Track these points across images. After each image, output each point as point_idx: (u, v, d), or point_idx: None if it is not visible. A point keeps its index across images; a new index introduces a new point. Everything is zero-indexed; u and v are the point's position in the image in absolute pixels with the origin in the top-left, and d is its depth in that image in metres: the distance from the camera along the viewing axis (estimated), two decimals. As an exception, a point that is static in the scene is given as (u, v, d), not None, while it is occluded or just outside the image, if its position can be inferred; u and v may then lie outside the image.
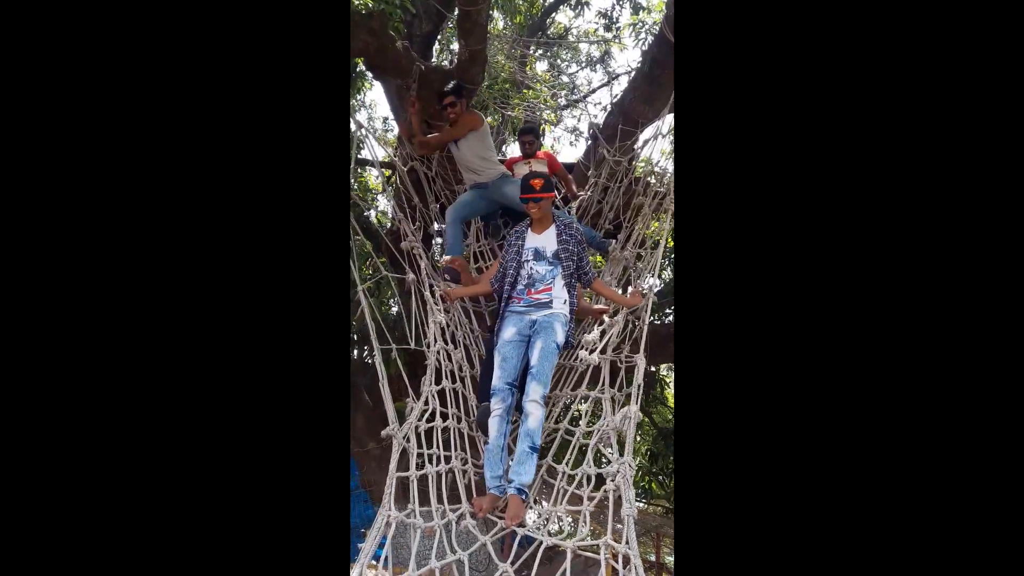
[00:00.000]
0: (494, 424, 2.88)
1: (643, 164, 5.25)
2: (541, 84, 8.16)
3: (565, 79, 9.63)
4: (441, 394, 3.04)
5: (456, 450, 2.95)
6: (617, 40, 9.10)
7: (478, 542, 2.55)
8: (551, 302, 3.05)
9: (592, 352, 3.24)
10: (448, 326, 3.47)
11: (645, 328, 3.12)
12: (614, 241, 4.66)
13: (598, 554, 2.16)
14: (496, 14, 8.40)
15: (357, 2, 4.01)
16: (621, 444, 2.61)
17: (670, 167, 4.66)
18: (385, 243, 4.09)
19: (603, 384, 3.24)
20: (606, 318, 3.75)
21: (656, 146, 4.86)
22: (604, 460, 2.68)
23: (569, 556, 2.24)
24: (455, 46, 7.16)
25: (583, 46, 9.84)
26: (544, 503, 3.02)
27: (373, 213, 5.82)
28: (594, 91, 9.94)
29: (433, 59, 6.46)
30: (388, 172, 5.67)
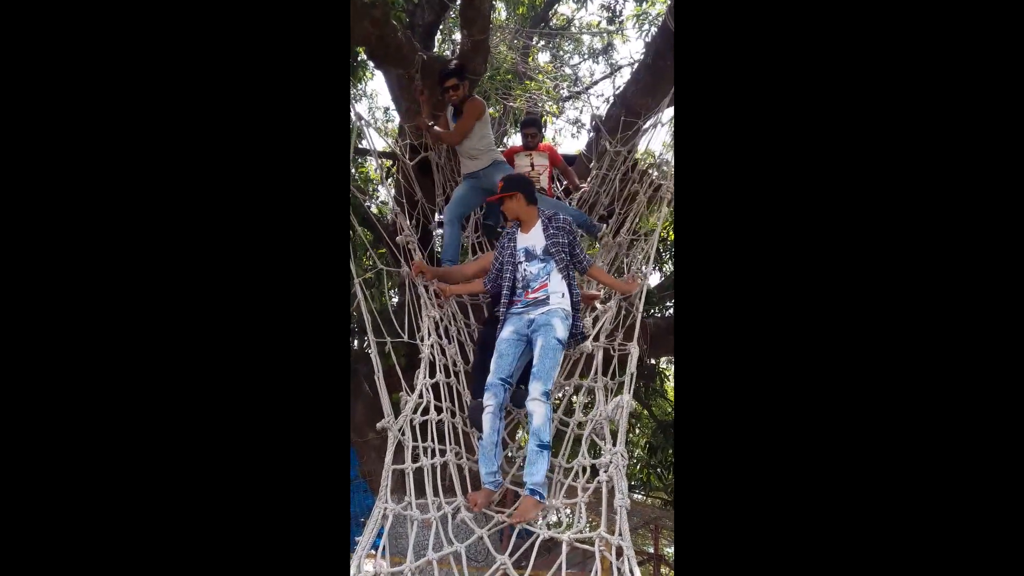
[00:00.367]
0: (487, 420, 2.86)
1: (644, 156, 5.23)
2: (543, 75, 8.12)
3: (567, 71, 9.57)
4: (435, 388, 3.04)
5: (450, 444, 2.96)
6: (620, 32, 9.04)
7: (475, 534, 2.56)
8: (548, 298, 3.01)
9: (585, 339, 3.23)
10: (441, 320, 3.47)
11: (639, 316, 3.12)
12: (605, 226, 4.63)
13: (593, 547, 2.16)
14: (499, 4, 8.35)
15: (358, -9, 3.98)
16: (614, 434, 2.60)
17: (670, 158, 4.65)
18: (385, 234, 4.09)
19: (596, 372, 3.25)
20: (598, 304, 3.74)
21: (656, 136, 4.85)
22: (597, 451, 2.69)
23: (565, 549, 2.25)
24: (457, 36, 7.13)
25: (585, 37, 9.78)
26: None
27: (374, 204, 5.81)
28: (596, 83, 9.89)
29: (435, 49, 6.43)
30: (388, 163, 5.66)
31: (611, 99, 7.24)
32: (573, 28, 9.79)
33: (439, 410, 2.98)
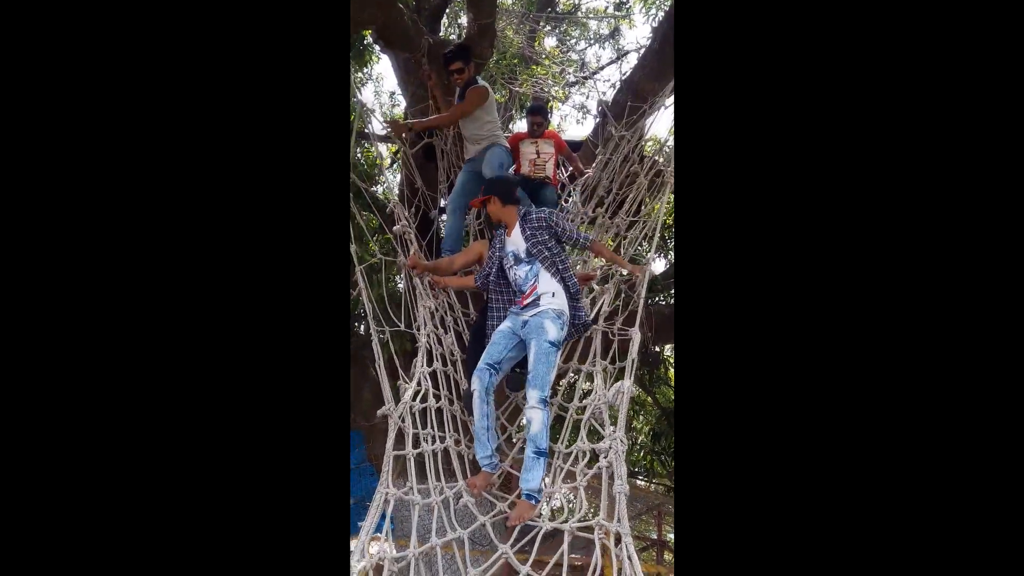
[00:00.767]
0: (475, 405, 2.90)
1: (649, 140, 5.19)
2: (550, 60, 8.05)
3: (574, 56, 9.50)
4: (433, 376, 3.07)
5: (450, 431, 3.00)
6: (627, 17, 8.96)
7: (477, 521, 2.58)
8: (538, 300, 2.99)
9: (588, 328, 3.21)
10: (437, 311, 3.50)
11: (640, 302, 3.11)
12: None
13: (592, 535, 2.17)
14: (505, -12, 8.28)
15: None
16: (614, 419, 2.60)
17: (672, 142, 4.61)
18: (384, 224, 4.10)
19: (595, 356, 3.24)
20: (595, 285, 3.73)
21: (661, 120, 4.81)
22: (597, 436, 2.69)
23: (567, 538, 2.26)
24: (464, 19, 7.07)
25: (592, 22, 9.69)
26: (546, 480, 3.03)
27: (380, 188, 5.79)
28: (603, 68, 9.81)
29: (441, 33, 6.37)
30: (394, 148, 5.64)
31: (617, 84, 7.18)
32: (580, 13, 9.70)
33: (437, 398, 3.01)
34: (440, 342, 3.36)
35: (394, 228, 3.79)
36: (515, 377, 3.28)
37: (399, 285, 4.47)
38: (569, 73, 8.47)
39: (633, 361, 2.75)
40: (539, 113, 4.87)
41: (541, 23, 8.52)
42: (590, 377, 3.24)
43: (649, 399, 8.14)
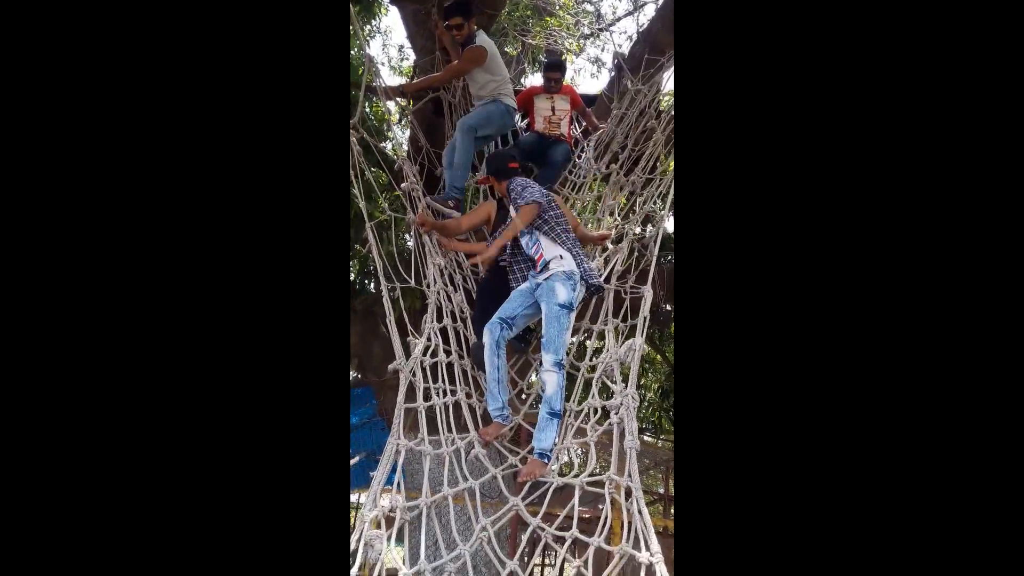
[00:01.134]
0: (486, 357, 2.97)
1: (667, 97, 5.07)
2: (564, 11, 7.84)
3: (589, 7, 9.24)
4: (443, 332, 3.11)
5: (460, 384, 3.05)
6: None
7: (489, 473, 2.62)
8: (548, 264, 3.04)
9: (601, 290, 3.20)
10: (446, 268, 3.52)
11: (653, 259, 3.11)
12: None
13: (603, 489, 2.20)
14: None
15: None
16: (625, 376, 2.62)
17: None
18: (393, 180, 4.05)
19: (607, 315, 3.26)
20: (609, 244, 3.71)
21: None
22: (608, 393, 2.71)
23: (577, 492, 2.29)
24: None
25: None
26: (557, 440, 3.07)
27: (389, 144, 5.72)
28: (619, 19, 9.55)
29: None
30: (403, 103, 5.53)
31: (634, 37, 6.99)
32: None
33: (448, 353, 3.06)
34: (450, 299, 3.38)
35: (402, 185, 3.75)
36: (514, 342, 3.33)
37: (409, 243, 4.45)
38: (584, 24, 8.24)
39: (645, 319, 2.76)
40: (557, 69, 4.75)
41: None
42: (601, 335, 3.24)
43: (658, 356, 8.16)
